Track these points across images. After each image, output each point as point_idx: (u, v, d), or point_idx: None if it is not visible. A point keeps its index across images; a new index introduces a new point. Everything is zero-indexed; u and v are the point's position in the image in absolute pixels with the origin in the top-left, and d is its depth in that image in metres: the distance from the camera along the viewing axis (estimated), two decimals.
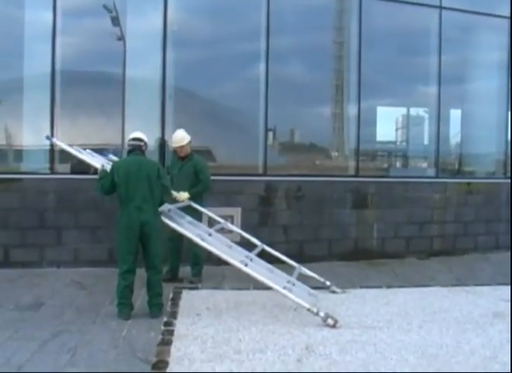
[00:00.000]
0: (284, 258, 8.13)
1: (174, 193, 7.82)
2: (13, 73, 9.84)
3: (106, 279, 6.58)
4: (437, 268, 10.14)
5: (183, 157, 8.39)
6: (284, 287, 6.62)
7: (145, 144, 6.91)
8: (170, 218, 6.97)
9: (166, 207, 7.04)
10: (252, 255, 7.22)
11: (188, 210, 7.98)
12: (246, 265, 6.72)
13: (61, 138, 9.41)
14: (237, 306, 7.08)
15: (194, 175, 8.31)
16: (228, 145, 11.22)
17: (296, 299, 6.49)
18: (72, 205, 9.18)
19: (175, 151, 8.48)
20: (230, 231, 9.73)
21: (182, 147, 8.30)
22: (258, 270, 6.77)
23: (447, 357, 5.47)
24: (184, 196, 8.01)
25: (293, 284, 6.91)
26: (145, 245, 6.56)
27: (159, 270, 6.69)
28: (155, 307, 6.60)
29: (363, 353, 5.54)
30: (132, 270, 6.51)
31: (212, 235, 7.28)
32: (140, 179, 6.54)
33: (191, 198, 8.12)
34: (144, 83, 10.14)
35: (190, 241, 7.56)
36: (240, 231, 8.29)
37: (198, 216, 8.24)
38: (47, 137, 7.60)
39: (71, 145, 8.07)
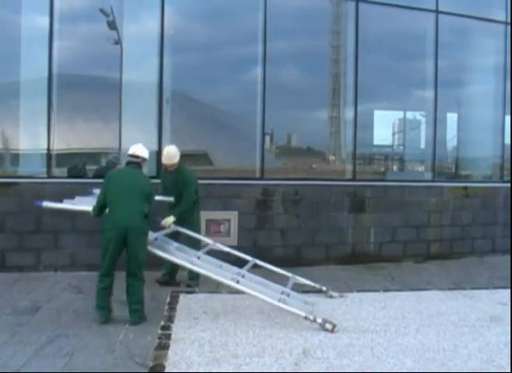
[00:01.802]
0: (277, 269, 8.11)
1: (162, 221, 7.88)
2: (10, 77, 9.82)
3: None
4: (434, 272, 10.14)
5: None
6: (279, 299, 6.64)
7: (144, 159, 6.93)
8: (157, 247, 6.97)
9: (151, 236, 7.05)
10: (244, 271, 7.20)
11: (184, 224, 8.13)
12: (237, 282, 6.72)
13: (58, 142, 9.46)
14: (234, 310, 7.08)
15: (183, 187, 8.28)
16: (225, 149, 11.22)
17: (292, 309, 6.50)
18: None
19: (165, 166, 8.39)
20: (228, 235, 9.80)
21: (173, 164, 8.26)
22: (251, 285, 6.77)
23: (445, 361, 5.48)
24: (169, 221, 7.96)
25: (288, 295, 6.90)
26: (127, 250, 6.51)
27: (139, 277, 6.54)
28: (133, 314, 6.51)
29: (361, 356, 5.54)
30: (109, 274, 6.47)
31: (201, 257, 7.27)
32: (130, 188, 6.57)
33: (178, 218, 8.09)
34: (141, 87, 10.13)
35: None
36: (228, 249, 8.16)
37: (196, 228, 8.39)
38: (38, 204, 7.38)
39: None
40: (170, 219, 7.97)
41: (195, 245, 8.08)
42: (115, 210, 6.51)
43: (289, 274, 8.00)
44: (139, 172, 6.87)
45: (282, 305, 6.54)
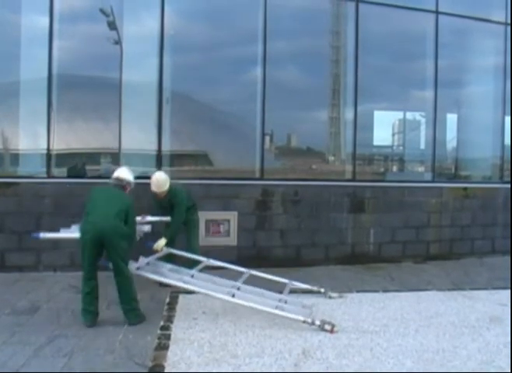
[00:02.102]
0: (273, 277, 8.11)
1: (153, 245, 7.89)
2: (10, 77, 9.82)
3: (102, 283, 6.55)
4: (434, 272, 10.14)
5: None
6: (276, 307, 6.65)
7: (128, 182, 6.90)
8: (149, 272, 6.98)
9: (143, 260, 7.08)
10: (239, 283, 7.21)
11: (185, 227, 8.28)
12: (233, 295, 6.73)
13: (57, 142, 9.46)
14: (234, 310, 7.06)
15: (175, 206, 8.22)
16: (225, 149, 11.23)
17: (289, 315, 6.50)
18: (69, 209, 9.15)
19: (154, 193, 8.22)
20: (227, 235, 9.81)
21: (163, 192, 8.14)
22: (247, 297, 6.77)
23: (444, 362, 5.48)
24: (161, 244, 7.95)
25: (285, 302, 6.92)
26: (107, 252, 6.45)
27: (126, 275, 6.48)
28: (128, 313, 6.48)
29: (360, 357, 5.55)
30: (91, 277, 6.43)
31: (195, 275, 7.28)
32: (108, 200, 6.59)
33: (170, 239, 8.11)
34: (141, 87, 10.14)
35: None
36: (222, 264, 8.18)
37: (195, 231, 8.57)
38: (35, 236, 7.33)
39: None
40: (162, 242, 7.99)
41: (194, 252, 8.29)
42: (91, 214, 6.49)
43: (286, 280, 8.01)
44: (122, 192, 6.85)
45: (279, 312, 6.56)
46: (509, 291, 8.16)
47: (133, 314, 6.49)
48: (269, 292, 7.22)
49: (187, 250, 8.36)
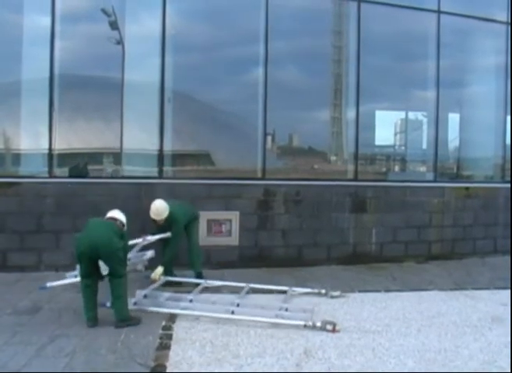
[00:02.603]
0: (272, 287, 8.11)
1: (151, 275, 7.90)
2: (12, 77, 9.84)
3: (104, 283, 6.55)
4: (436, 272, 10.13)
5: None
6: (276, 315, 6.67)
7: (121, 223, 6.82)
8: (147, 305, 6.99)
9: (140, 294, 7.07)
10: (237, 300, 7.23)
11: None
12: (232, 312, 6.75)
13: (59, 142, 9.46)
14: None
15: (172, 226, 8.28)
16: (227, 149, 11.22)
17: (290, 322, 6.50)
18: (70, 209, 9.17)
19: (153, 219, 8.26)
20: (229, 235, 9.81)
21: (162, 219, 8.16)
22: (246, 311, 6.80)
23: (446, 362, 5.48)
24: (158, 273, 7.96)
25: (286, 310, 6.93)
26: (103, 260, 6.44)
27: (119, 274, 6.40)
28: (114, 313, 6.43)
29: (362, 357, 5.54)
30: (88, 275, 6.45)
31: (194, 299, 7.27)
32: (102, 223, 6.66)
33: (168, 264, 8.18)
34: (142, 87, 10.13)
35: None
36: (221, 283, 8.23)
37: (195, 237, 8.65)
38: (42, 288, 7.33)
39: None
40: (159, 270, 7.99)
41: (197, 253, 8.51)
42: (85, 232, 6.55)
43: (286, 288, 8.02)
44: (114, 223, 6.76)
45: (279, 320, 6.58)
46: (509, 290, 8.15)
47: (117, 313, 6.40)
48: (269, 302, 7.30)
49: (189, 251, 8.44)
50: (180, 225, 8.26)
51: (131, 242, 7.57)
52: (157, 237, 8.16)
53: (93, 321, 6.38)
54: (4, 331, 6.01)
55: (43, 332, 6.02)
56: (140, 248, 7.96)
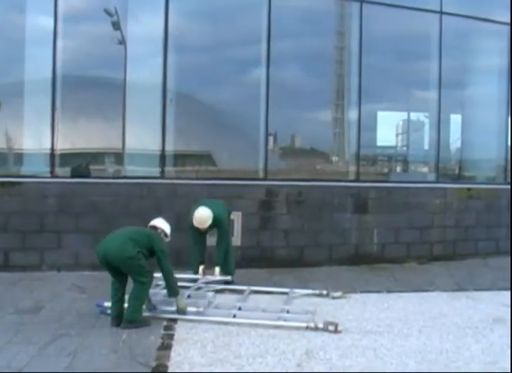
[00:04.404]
0: (273, 289, 8.12)
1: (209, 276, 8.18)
2: (14, 77, 9.86)
3: (107, 283, 6.55)
4: (437, 273, 10.12)
5: None
6: (278, 318, 6.66)
7: (163, 232, 6.77)
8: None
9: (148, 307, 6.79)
10: (240, 303, 7.21)
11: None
12: (234, 316, 6.73)
13: (61, 142, 9.48)
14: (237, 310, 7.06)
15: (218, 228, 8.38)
16: (229, 150, 11.23)
17: (291, 324, 6.49)
18: (73, 209, 9.19)
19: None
20: (231, 235, 9.79)
21: (205, 227, 8.20)
22: (248, 315, 6.80)
23: (447, 363, 5.47)
24: (217, 273, 8.23)
25: (287, 312, 6.92)
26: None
27: (140, 282, 6.31)
28: (126, 311, 6.42)
29: (363, 357, 5.53)
30: (114, 286, 6.47)
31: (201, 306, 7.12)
32: (124, 231, 6.57)
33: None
34: (145, 87, 10.14)
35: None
36: (222, 286, 8.16)
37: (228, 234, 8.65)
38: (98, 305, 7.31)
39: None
40: (217, 271, 8.25)
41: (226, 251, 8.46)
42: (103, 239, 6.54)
43: (287, 290, 8.01)
44: (150, 230, 6.73)
45: (281, 322, 6.56)
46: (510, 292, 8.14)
47: (128, 312, 6.35)
48: (271, 304, 7.31)
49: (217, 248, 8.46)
50: (225, 226, 8.40)
51: (189, 276, 8.03)
52: (218, 278, 8.19)
53: (114, 322, 6.34)
54: (6, 330, 6.02)
55: (45, 331, 6.02)
56: (198, 286, 7.93)
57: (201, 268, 8.28)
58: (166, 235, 6.81)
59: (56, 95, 9.50)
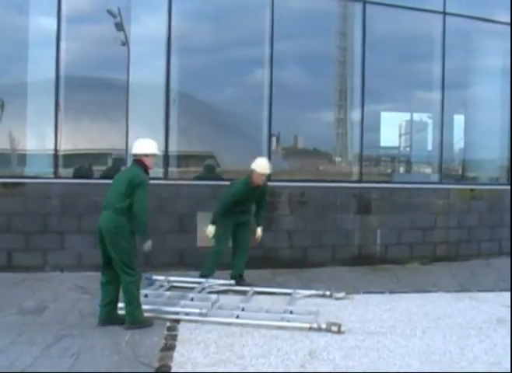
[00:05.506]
0: (276, 290, 8.12)
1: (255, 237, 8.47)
2: (18, 78, 9.87)
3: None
4: (440, 274, 10.12)
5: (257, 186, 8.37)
6: (281, 319, 6.66)
7: (143, 155, 6.43)
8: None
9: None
10: (243, 304, 7.21)
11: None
12: (237, 317, 6.73)
13: (64, 143, 9.49)
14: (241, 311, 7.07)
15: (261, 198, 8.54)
16: (231, 150, 11.22)
17: (295, 325, 6.49)
18: (76, 209, 9.19)
19: (252, 181, 8.32)
20: None
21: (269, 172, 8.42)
22: (251, 315, 6.79)
23: (451, 363, 5.46)
24: (259, 233, 8.54)
25: (290, 312, 6.89)
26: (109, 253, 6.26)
27: (127, 273, 6.16)
28: (126, 315, 6.31)
29: (367, 358, 5.53)
30: (104, 270, 6.34)
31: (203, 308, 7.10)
32: (113, 188, 6.35)
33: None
34: (148, 88, 10.15)
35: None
36: (225, 287, 8.18)
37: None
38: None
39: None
40: (259, 231, 8.52)
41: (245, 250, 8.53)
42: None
43: (290, 290, 8.00)
44: (131, 168, 6.51)
45: (284, 323, 6.56)
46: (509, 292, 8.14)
47: (128, 316, 6.28)
48: (274, 305, 7.31)
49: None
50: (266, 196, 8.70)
51: (191, 280, 8.00)
52: (220, 282, 8.19)
53: (101, 319, 6.30)
54: (9, 331, 6.02)
55: (48, 332, 6.03)
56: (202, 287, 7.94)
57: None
58: (147, 156, 6.44)
59: (59, 96, 9.51)
